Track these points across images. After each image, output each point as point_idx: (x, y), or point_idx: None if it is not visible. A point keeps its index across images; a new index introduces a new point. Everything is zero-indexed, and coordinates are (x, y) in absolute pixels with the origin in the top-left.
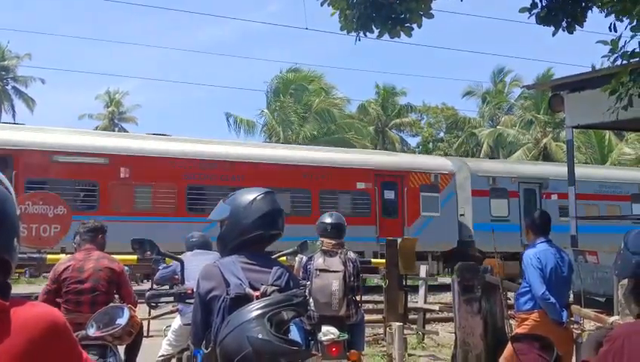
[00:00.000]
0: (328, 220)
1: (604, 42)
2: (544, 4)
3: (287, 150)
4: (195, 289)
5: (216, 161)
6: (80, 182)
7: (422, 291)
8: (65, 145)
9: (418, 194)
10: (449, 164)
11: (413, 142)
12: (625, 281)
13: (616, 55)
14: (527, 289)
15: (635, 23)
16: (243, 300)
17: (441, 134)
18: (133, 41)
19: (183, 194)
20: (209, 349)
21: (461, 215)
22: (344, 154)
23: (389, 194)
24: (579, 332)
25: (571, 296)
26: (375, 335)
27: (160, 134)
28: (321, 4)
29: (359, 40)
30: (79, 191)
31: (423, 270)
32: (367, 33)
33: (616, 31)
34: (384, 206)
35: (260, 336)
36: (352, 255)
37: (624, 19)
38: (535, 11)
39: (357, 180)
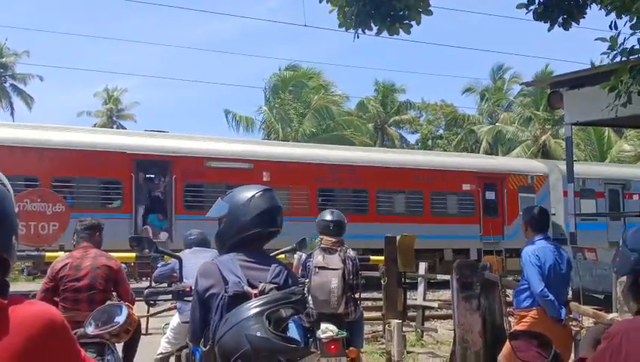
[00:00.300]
0: (330, 217)
1: (603, 39)
2: (541, 1)
3: (403, 155)
4: (193, 287)
5: (344, 166)
6: (230, 185)
7: (421, 288)
8: (216, 152)
9: (516, 195)
10: (543, 166)
11: (412, 139)
12: (624, 278)
13: (615, 52)
14: (526, 286)
15: (634, 21)
16: (241, 298)
17: (440, 131)
18: (132, 38)
19: (314, 196)
20: (207, 347)
21: (552, 214)
22: (451, 158)
23: (490, 195)
24: (577, 329)
25: (570, 293)
26: (374, 332)
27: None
28: (320, 1)
29: (358, 37)
30: (219, 193)
31: (422, 267)
32: (366, 30)
33: (617, 29)
34: (486, 206)
35: (258, 334)
36: (351, 253)
37: (624, 16)
38: (532, 7)
39: (462, 182)
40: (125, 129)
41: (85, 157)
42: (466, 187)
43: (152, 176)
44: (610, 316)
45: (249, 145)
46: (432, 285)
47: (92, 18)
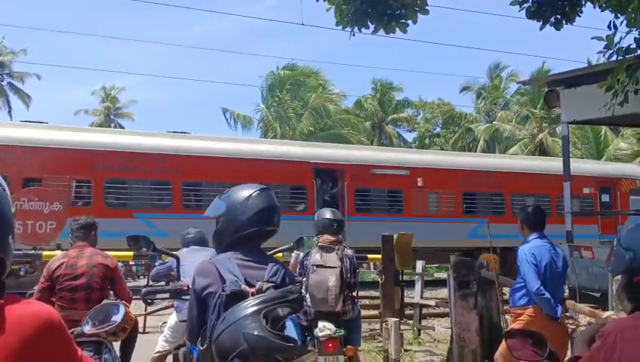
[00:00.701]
0: (331, 216)
1: (599, 38)
2: None
3: (536, 161)
4: (190, 286)
5: (484, 172)
6: (390, 190)
7: (418, 286)
8: (379, 160)
9: (628, 197)
10: None
11: (409, 137)
12: (619, 277)
13: (611, 51)
14: (522, 284)
15: (630, 19)
16: (239, 297)
17: (438, 129)
18: (130, 36)
19: (460, 199)
20: (205, 346)
21: None
22: (577, 163)
23: (605, 198)
24: (574, 327)
25: (566, 291)
26: (372, 330)
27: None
28: (317, 0)
29: (354, 35)
30: (389, 197)
31: (419, 265)
32: (363, 29)
33: (615, 28)
34: (602, 208)
35: (255, 333)
36: (348, 251)
37: (619, 15)
38: (526, 5)
39: (583, 186)
40: (123, 128)
41: (276, 166)
42: (586, 190)
43: (328, 182)
44: (606, 314)
45: (406, 154)
46: (430, 283)
47: (89, 16)
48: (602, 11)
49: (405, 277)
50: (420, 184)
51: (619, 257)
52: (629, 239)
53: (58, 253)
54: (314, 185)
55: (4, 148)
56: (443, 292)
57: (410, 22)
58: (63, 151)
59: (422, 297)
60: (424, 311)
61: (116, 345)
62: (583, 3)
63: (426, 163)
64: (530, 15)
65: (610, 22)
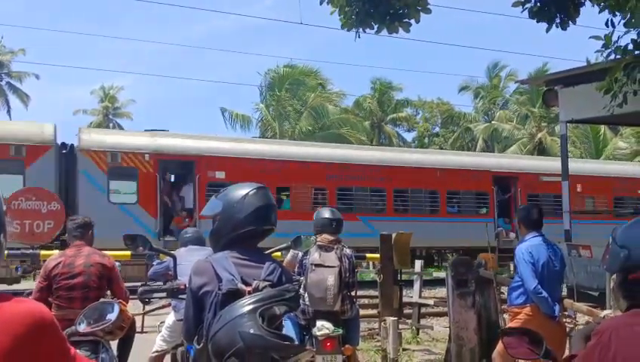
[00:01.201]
0: (330, 215)
1: (597, 37)
2: None
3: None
4: (187, 285)
5: (630, 178)
6: (556, 196)
7: (417, 286)
8: (546, 168)
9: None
10: None
11: (408, 137)
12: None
13: (609, 50)
14: (520, 283)
15: (628, 18)
16: (235, 295)
17: (437, 129)
18: (128, 36)
19: (610, 202)
20: (201, 344)
21: None
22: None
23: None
24: (572, 326)
25: (565, 289)
26: (370, 329)
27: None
28: (320, 3)
29: (359, 37)
30: (554, 202)
31: (417, 265)
32: (367, 29)
33: (613, 27)
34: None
35: (251, 331)
36: (347, 251)
37: (617, 13)
38: (528, 5)
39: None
40: (122, 128)
41: (463, 174)
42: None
43: (503, 188)
44: (604, 313)
45: (571, 164)
46: (428, 282)
47: (88, 16)
48: (600, 11)
49: (404, 277)
50: (579, 190)
51: (614, 255)
52: (624, 237)
53: (56, 252)
54: (492, 191)
55: (261, 161)
56: (442, 292)
57: (412, 21)
58: (304, 165)
59: (420, 296)
60: (423, 310)
61: (114, 345)
62: (583, 2)
63: (582, 171)
64: (533, 15)
65: (607, 19)
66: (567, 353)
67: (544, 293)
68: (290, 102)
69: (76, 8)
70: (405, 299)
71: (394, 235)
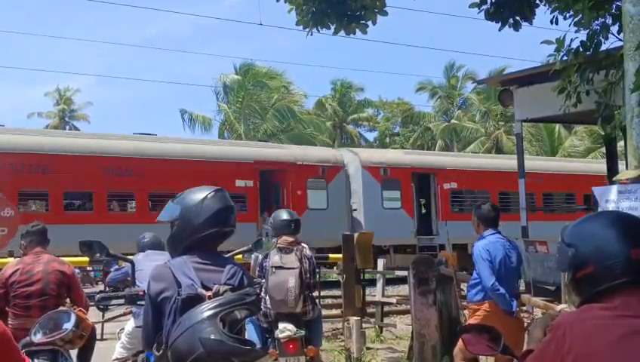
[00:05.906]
0: (288, 217)
1: (549, 42)
2: (493, 1)
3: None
4: (145, 291)
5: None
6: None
7: (379, 284)
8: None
9: None
10: None
11: (370, 136)
12: None
13: (562, 53)
14: (478, 280)
15: (579, 18)
16: (195, 301)
17: (397, 129)
18: (82, 36)
19: None
20: (161, 352)
21: None
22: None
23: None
24: (530, 321)
25: (522, 285)
26: (334, 329)
27: None
28: (277, 0)
29: (311, 34)
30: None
31: (380, 264)
32: (324, 29)
33: (557, 24)
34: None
35: (212, 337)
36: (307, 251)
37: (567, 15)
38: (484, 7)
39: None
40: (79, 130)
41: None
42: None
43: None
44: (560, 307)
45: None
46: (391, 281)
47: (39, 16)
48: (552, 12)
49: (367, 276)
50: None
51: (562, 254)
52: (571, 235)
53: (10, 260)
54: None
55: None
56: (405, 290)
57: (369, 23)
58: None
59: (383, 295)
60: (386, 308)
61: (73, 354)
62: (538, 4)
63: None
64: (489, 16)
65: (553, 17)
66: (525, 347)
67: (501, 290)
68: (256, 99)
69: (26, 8)
70: (369, 298)
71: (356, 235)
